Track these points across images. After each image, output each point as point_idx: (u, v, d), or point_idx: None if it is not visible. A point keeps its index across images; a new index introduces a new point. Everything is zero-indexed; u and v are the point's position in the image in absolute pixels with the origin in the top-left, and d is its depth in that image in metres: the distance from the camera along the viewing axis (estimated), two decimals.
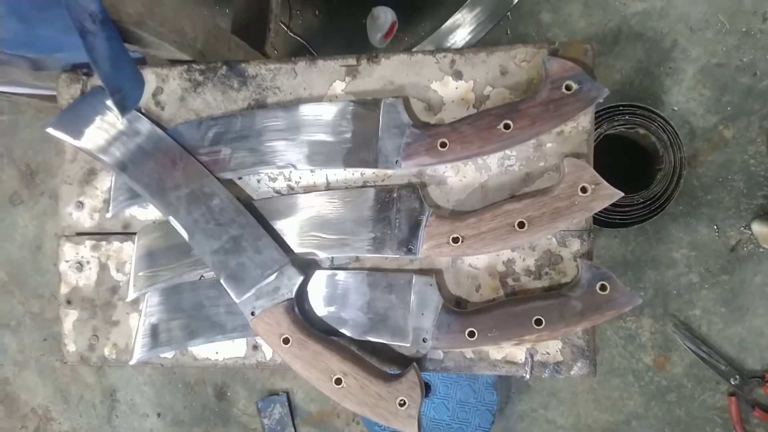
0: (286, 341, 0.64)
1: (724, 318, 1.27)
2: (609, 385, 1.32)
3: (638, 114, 1.07)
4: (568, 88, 0.61)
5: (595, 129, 1.10)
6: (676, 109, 1.23)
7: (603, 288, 0.61)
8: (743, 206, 1.25)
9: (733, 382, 1.26)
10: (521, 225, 0.61)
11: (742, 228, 1.25)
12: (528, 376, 0.65)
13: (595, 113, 1.16)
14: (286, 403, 1.40)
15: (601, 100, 0.62)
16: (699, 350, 1.26)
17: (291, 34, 1.30)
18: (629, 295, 0.61)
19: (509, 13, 1.29)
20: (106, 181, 0.74)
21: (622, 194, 0.61)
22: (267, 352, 0.71)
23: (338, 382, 0.62)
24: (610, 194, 0.61)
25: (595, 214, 0.63)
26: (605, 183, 0.61)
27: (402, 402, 0.61)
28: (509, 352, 0.66)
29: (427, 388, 1.24)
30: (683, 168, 1.05)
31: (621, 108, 1.07)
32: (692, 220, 1.25)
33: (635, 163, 1.19)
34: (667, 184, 1.05)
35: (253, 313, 0.65)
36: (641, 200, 1.05)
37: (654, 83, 1.23)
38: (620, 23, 1.24)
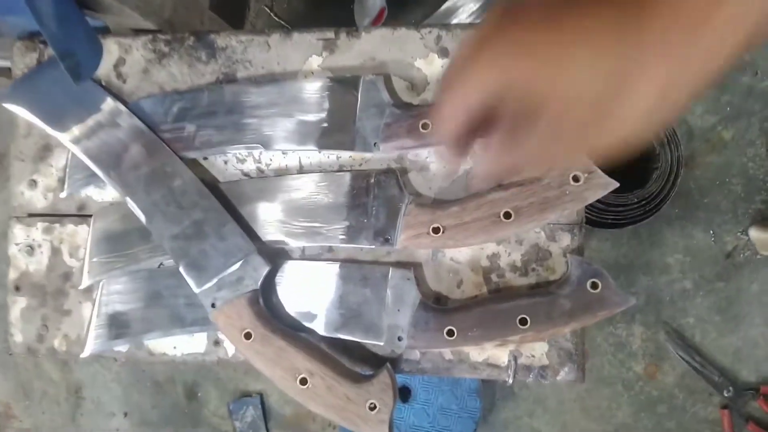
0: (247, 336, 0.58)
1: (719, 327, 1.23)
2: (597, 394, 1.28)
3: None
4: (593, 286, 0.56)
5: None
6: None
7: (594, 286, 0.56)
8: (741, 211, 1.21)
9: (726, 394, 1.21)
10: (507, 215, 0.57)
11: (739, 233, 1.21)
12: (511, 381, 0.60)
13: None
14: (260, 406, 1.34)
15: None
16: (692, 360, 1.21)
17: (274, 17, 1.25)
18: (622, 295, 0.56)
19: None
20: (61, 159, 0.68)
21: (617, 184, 0.56)
22: (229, 348, 0.65)
23: (303, 382, 0.57)
24: (604, 183, 0.56)
25: (587, 213, 0.59)
26: (599, 171, 0.56)
27: (372, 405, 0.56)
28: (491, 354, 0.61)
29: (407, 393, 1.19)
30: (680, 167, 1.01)
31: None
32: (688, 224, 1.21)
33: (630, 161, 1.14)
34: (663, 183, 1.01)
35: (213, 305, 0.60)
36: (636, 200, 1.01)
37: None
38: None
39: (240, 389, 1.37)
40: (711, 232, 1.21)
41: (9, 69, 0.71)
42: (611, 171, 0.55)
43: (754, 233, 1.19)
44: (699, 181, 1.20)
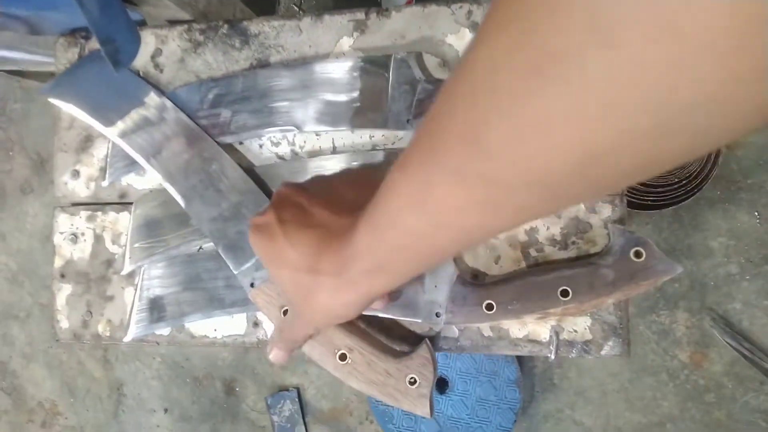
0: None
1: None
2: (641, 384, 1.24)
3: None
4: (637, 255, 0.56)
5: None
6: None
7: (638, 254, 0.54)
8: None
9: None
10: None
11: None
12: (553, 357, 0.59)
13: None
14: (297, 399, 1.35)
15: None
16: (740, 347, 1.16)
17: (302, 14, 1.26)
18: (668, 263, 0.54)
19: None
20: (102, 148, 0.70)
21: None
22: (268, 329, 0.66)
23: (343, 357, 0.57)
24: None
25: (628, 196, 0.58)
26: None
27: (413, 380, 0.55)
28: (532, 330, 0.60)
29: (444, 384, 1.18)
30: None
31: None
32: (731, 206, 1.17)
33: None
34: (703, 162, 0.98)
35: (252, 285, 0.61)
36: (676, 180, 0.98)
37: None
38: None
39: (277, 384, 1.37)
40: (756, 213, 1.17)
41: (51, 74, 0.74)
42: None
43: None
44: (741, 162, 1.16)
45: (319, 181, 0.50)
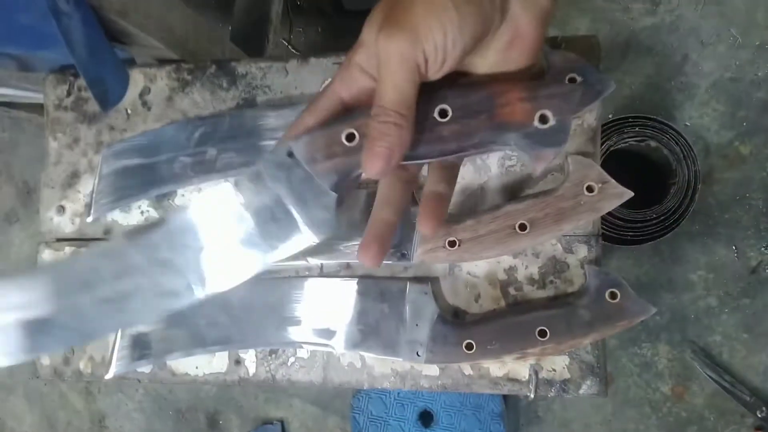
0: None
1: (747, 344, 1.19)
2: (624, 417, 1.24)
3: (649, 126, 1.03)
4: (571, 80, 0.57)
5: (604, 143, 1.06)
6: (688, 124, 1.19)
7: (613, 296, 0.56)
8: (763, 225, 1.19)
9: (759, 415, 1.17)
10: (522, 227, 0.57)
11: (762, 248, 1.19)
12: (532, 396, 0.59)
13: (604, 126, 1.13)
14: None
15: (607, 94, 0.58)
16: (721, 379, 1.18)
17: (292, 50, 1.29)
18: (642, 304, 0.56)
19: None
20: (88, 185, 0.71)
21: (632, 194, 0.56)
22: (250, 367, 0.66)
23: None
24: (619, 193, 0.56)
25: (607, 230, 0.59)
26: (613, 181, 0.56)
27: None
28: (511, 369, 0.60)
29: (429, 418, 1.18)
30: (698, 182, 1.00)
31: (631, 120, 1.04)
32: (709, 240, 1.19)
33: (647, 178, 1.14)
34: (681, 198, 1.00)
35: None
36: (654, 215, 1.00)
37: (665, 98, 1.19)
38: (629, 38, 1.22)
39: (261, 417, 1.36)
40: (733, 247, 1.19)
41: (41, 105, 0.75)
42: (627, 184, 0.56)
43: None
44: (718, 197, 1.19)
45: None
